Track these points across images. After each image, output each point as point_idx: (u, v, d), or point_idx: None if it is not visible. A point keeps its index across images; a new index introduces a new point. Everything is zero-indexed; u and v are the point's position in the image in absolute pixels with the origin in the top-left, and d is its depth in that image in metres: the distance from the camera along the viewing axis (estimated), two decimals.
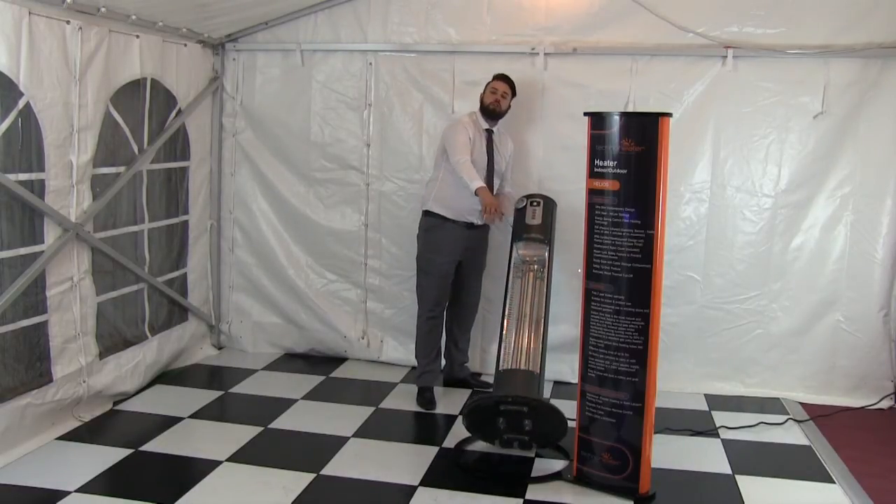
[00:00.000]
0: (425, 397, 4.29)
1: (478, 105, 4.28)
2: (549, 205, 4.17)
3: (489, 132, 4.26)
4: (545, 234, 4.08)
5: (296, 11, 4.78)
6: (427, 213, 4.28)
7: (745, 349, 4.53)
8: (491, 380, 3.83)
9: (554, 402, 4.27)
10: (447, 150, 4.17)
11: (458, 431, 3.88)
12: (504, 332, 3.90)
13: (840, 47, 4.21)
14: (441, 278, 4.29)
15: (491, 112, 4.23)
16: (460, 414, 3.69)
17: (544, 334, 3.85)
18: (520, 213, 4.15)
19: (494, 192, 4.25)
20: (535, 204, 4.15)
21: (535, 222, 4.09)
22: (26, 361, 3.55)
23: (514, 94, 4.29)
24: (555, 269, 4.06)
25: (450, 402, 4.32)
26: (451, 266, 4.30)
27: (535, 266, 4.02)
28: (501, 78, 4.28)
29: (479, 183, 4.05)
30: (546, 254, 4.02)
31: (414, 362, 4.48)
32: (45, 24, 3.44)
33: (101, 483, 3.27)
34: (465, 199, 4.16)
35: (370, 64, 4.77)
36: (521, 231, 4.10)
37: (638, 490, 3.22)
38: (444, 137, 4.26)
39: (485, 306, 4.62)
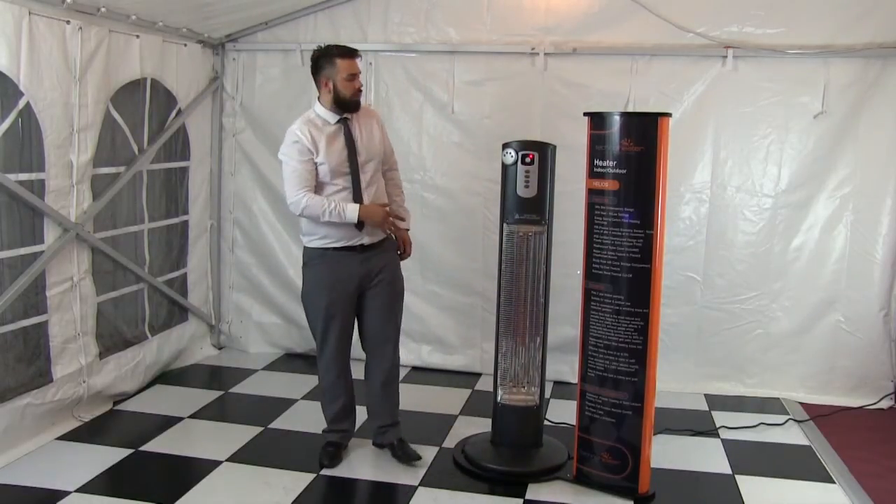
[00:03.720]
0: (325, 451, 3.51)
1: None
2: (546, 160, 3.37)
3: (344, 121, 3.36)
4: (543, 211, 3.39)
5: (296, 11, 4.78)
6: (306, 248, 3.43)
7: (745, 349, 4.53)
8: (490, 379, 3.72)
9: (554, 402, 4.33)
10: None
11: (458, 431, 3.88)
12: (500, 329, 3.61)
13: (840, 47, 4.21)
14: (333, 328, 3.40)
15: (352, 104, 3.34)
16: (454, 459, 3.64)
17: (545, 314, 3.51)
18: (509, 174, 3.37)
19: (377, 184, 3.43)
20: (528, 161, 3.34)
21: (528, 195, 3.35)
22: (26, 361, 3.55)
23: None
24: (554, 272, 4.01)
25: (450, 401, 4.32)
26: (343, 306, 3.38)
27: (532, 232, 3.43)
28: (350, 54, 3.31)
29: (352, 209, 3.23)
30: (545, 230, 3.44)
31: (413, 362, 4.46)
32: (45, 24, 3.43)
33: (101, 483, 3.27)
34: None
35: (370, 64, 4.76)
36: (511, 209, 3.38)
37: (637, 490, 3.22)
38: None
39: (484, 305, 4.61)
